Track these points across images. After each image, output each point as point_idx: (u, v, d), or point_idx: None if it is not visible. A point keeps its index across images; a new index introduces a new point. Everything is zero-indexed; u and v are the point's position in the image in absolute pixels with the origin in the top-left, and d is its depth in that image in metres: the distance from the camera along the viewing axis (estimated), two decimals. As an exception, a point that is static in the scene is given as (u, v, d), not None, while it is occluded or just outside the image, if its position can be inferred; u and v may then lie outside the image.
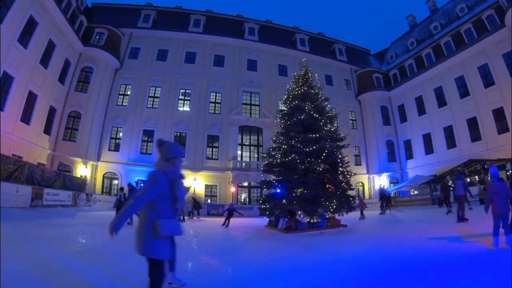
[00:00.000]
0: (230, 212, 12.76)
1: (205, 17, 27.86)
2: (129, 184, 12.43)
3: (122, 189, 11.62)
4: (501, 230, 4.81)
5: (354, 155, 27.61)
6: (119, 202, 10.56)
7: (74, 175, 19.05)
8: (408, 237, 6.97)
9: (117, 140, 22.93)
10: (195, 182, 22.59)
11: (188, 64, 25.53)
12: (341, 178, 10.83)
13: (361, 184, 27.53)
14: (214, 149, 24.16)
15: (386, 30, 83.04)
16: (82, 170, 20.21)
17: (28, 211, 11.06)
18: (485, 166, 17.70)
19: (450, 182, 18.73)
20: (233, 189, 23.15)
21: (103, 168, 21.98)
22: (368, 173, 27.80)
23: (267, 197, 11.48)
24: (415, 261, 4.55)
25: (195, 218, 17.02)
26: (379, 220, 13.13)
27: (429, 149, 25.09)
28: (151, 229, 2.29)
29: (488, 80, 20.86)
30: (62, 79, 20.08)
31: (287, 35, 30.04)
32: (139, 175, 22.08)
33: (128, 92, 24.03)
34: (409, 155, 26.90)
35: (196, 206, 17.73)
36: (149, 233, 2.29)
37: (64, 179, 15.99)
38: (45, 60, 18.04)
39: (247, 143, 25.08)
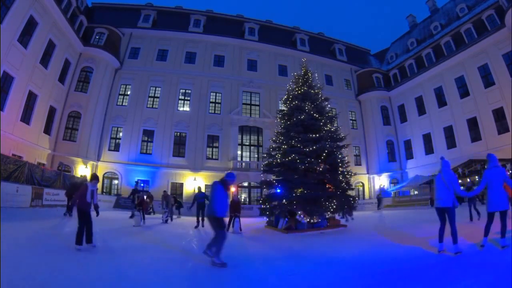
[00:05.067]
0: (236, 207, 10.04)
1: (205, 17, 27.86)
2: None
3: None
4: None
5: (354, 155, 27.59)
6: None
7: (74, 175, 19.04)
8: (407, 237, 6.97)
9: (117, 140, 22.93)
10: (195, 182, 22.58)
11: (188, 64, 25.52)
12: (341, 178, 10.84)
13: (361, 184, 27.52)
14: (214, 149, 24.16)
15: (386, 30, 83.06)
16: (82, 170, 20.20)
17: (28, 211, 11.05)
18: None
19: None
20: (233, 189, 23.14)
21: (103, 168, 21.98)
22: (368, 173, 27.79)
23: (267, 197, 11.48)
24: (416, 261, 4.56)
25: (175, 217, 16.62)
26: (379, 220, 13.14)
27: (429, 149, 25.07)
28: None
29: (488, 80, 20.85)
30: (62, 79, 20.07)
31: (287, 35, 30.04)
32: (139, 175, 22.08)
33: (128, 92, 24.02)
34: (409, 155, 26.88)
35: (177, 205, 17.55)
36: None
37: (64, 179, 15.97)
38: (45, 60, 18.02)
39: (247, 143, 25.07)
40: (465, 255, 4.55)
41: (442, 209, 4.80)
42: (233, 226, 9.82)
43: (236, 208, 10.12)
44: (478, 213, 9.03)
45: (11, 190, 11.05)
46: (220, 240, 4.41)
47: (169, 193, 19.38)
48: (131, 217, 11.74)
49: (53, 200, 13.86)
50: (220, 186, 4.64)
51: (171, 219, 13.07)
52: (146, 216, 11.97)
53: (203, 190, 12.20)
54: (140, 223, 10.50)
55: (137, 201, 11.98)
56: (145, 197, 12.78)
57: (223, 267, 4.27)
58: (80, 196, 5.43)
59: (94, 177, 5.76)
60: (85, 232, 5.28)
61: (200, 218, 10.85)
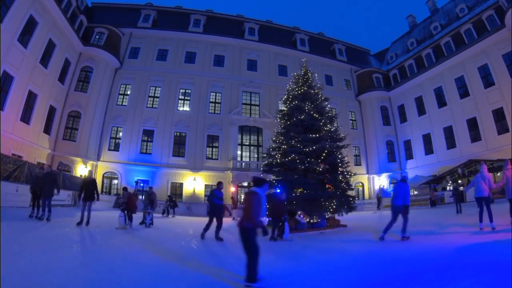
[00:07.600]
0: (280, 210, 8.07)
1: (205, 17, 27.86)
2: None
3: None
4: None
5: (354, 155, 27.59)
6: None
7: (74, 174, 19.04)
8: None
9: (117, 140, 22.93)
10: (195, 182, 22.59)
11: (188, 64, 25.52)
12: (341, 178, 10.84)
13: (360, 185, 27.52)
14: (214, 149, 24.16)
15: (386, 30, 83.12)
16: (82, 169, 20.20)
17: (28, 210, 11.03)
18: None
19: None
20: (233, 189, 23.14)
21: (103, 168, 21.98)
22: (368, 173, 27.79)
23: (267, 197, 11.47)
24: (415, 261, 4.56)
25: (170, 216, 16.58)
26: (378, 220, 13.12)
27: (429, 150, 25.07)
28: None
29: (488, 80, 20.85)
30: (62, 78, 20.07)
31: (287, 35, 30.04)
32: (139, 175, 22.08)
33: (128, 92, 24.02)
34: (409, 155, 26.88)
35: (172, 204, 17.49)
36: None
37: (64, 178, 15.96)
38: (45, 60, 18.02)
39: (247, 143, 25.07)
40: (466, 254, 4.56)
41: (481, 198, 6.67)
42: (283, 233, 7.96)
43: (280, 211, 8.14)
44: (460, 210, 11.45)
45: (11, 190, 11.05)
46: (407, 220, 6.53)
47: (170, 192, 19.28)
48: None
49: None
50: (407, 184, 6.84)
51: (152, 223, 10.51)
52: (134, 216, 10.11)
53: (203, 190, 10.18)
54: (124, 225, 9.06)
55: (122, 200, 10.12)
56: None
57: (408, 240, 6.28)
58: (255, 211, 3.42)
59: (262, 180, 3.83)
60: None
61: (212, 223, 7.73)
